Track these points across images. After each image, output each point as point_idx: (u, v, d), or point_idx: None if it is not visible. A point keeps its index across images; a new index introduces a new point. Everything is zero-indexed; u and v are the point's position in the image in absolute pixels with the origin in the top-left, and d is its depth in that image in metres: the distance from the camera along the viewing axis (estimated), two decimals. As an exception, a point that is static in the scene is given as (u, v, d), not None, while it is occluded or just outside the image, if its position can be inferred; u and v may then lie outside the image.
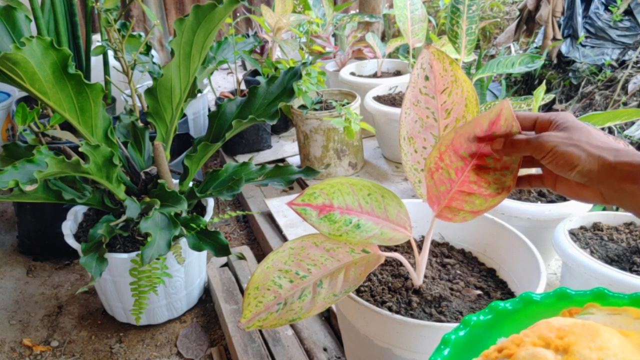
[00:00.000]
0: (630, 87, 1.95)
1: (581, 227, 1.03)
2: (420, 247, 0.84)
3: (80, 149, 0.95)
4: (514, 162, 0.60)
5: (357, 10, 2.71)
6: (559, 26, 2.25)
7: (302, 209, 0.65)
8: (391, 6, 2.67)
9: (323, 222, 0.66)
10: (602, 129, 1.18)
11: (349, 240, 0.68)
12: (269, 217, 1.55)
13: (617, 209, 1.35)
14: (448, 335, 0.39)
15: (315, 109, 1.67)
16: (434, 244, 0.94)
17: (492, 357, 0.35)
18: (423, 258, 0.77)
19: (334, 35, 2.45)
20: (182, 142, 1.57)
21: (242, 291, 1.27)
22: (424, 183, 0.72)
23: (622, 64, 2.07)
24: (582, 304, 0.40)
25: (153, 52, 1.96)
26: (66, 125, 1.30)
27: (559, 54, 2.28)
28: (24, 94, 1.79)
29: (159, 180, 1.09)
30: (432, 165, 0.64)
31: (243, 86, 2.01)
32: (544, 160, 0.52)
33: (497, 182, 0.62)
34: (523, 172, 0.62)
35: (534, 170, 0.63)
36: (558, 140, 0.51)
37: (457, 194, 0.65)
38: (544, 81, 2.09)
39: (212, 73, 1.78)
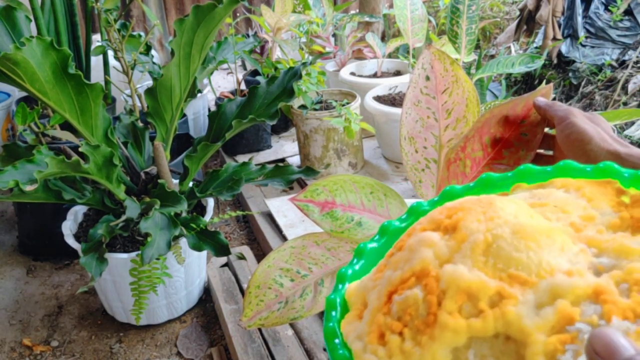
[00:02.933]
0: (630, 87, 1.95)
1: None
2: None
3: (80, 149, 0.95)
4: (527, 158, 0.61)
5: (357, 10, 2.71)
6: (559, 26, 2.25)
7: (305, 205, 0.65)
8: (391, 6, 2.67)
9: (325, 218, 0.66)
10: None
11: (351, 238, 0.68)
12: (269, 217, 1.55)
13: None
14: (363, 244, 0.34)
15: (315, 109, 1.67)
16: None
17: (389, 255, 0.31)
18: (423, 258, 0.77)
19: (334, 35, 2.45)
20: (182, 142, 1.57)
21: (242, 291, 1.26)
22: (424, 183, 0.72)
23: (622, 64, 2.08)
24: (509, 187, 0.34)
25: (153, 52, 1.96)
26: (66, 125, 1.30)
27: (559, 54, 2.28)
28: (24, 94, 1.78)
29: (159, 180, 1.09)
30: (452, 156, 0.64)
31: (243, 86, 2.01)
32: (560, 128, 0.52)
33: None
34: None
35: None
36: (580, 115, 0.52)
37: None
38: (544, 81, 2.10)
39: (212, 73, 1.78)
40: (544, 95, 0.58)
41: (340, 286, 0.32)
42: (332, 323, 0.30)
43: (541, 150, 0.62)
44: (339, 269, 0.33)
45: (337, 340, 0.29)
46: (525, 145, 0.60)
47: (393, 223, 0.35)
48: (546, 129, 0.60)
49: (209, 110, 2.25)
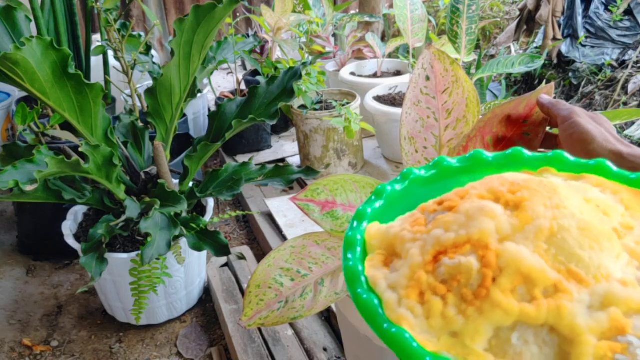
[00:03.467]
0: (630, 87, 1.95)
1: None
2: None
3: (80, 149, 0.95)
4: None
5: (357, 10, 2.71)
6: (559, 26, 2.25)
7: (305, 204, 0.65)
8: (391, 6, 2.67)
9: (326, 218, 0.66)
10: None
11: (351, 238, 0.68)
12: (269, 217, 1.55)
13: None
14: (383, 186, 0.34)
15: (315, 109, 1.67)
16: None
17: (430, 210, 0.30)
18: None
19: (334, 35, 2.45)
20: (182, 142, 1.57)
21: (242, 291, 1.26)
22: (424, 183, 0.72)
23: (622, 64, 2.08)
24: (537, 167, 0.34)
25: (153, 52, 1.96)
26: (66, 125, 1.30)
27: (559, 54, 2.28)
28: (24, 94, 1.78)
29: (159, 180, 1.09)
30: (454, 155, 0.64)
31: (243, 86, 2.01)
32: (563, 128, 0.52)
33: None
34: None
35: None
36: (584, 115, 0.52)
37: None
38: (544, 81, 2.10)
39: (212, 73, 1.78)
40: (547, 94, 0.58)
41: (356, 223, 0.32)
42: (353, 262, 0.29)
43: (543, 150, 0.62)
44: (358, 207, 0.32)
45: (362, 279, 0.28)
46: (527, 144, 0.61)
47: (414, 170, 0.35)
48: (548, 128, 0.61)
49: (209, 110, 2.25)
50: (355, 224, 0.32)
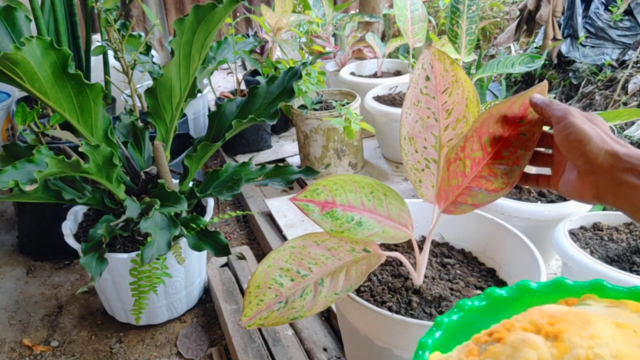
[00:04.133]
0: (630, 87, 1.95)
1: (581, 227, 1.03)
2: (420, 247, 0.84)
3: (80, 149, 0.95)
4: (525, 158, 0.61)
5: (357, 10, 2.71)
6: (559, 26, 2.25)
7: (305, 204, 0.65)
8: (391, 6, 2.67)
9: (325, 218, 0.66)
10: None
11: (351, 238, 0.68)
12: (269, 217, 1.55)
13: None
14: (441, 318, 0.39)
15: (315, 109, 1.67)
16: (434, 244, 0.94)
17: (482, 341, 0.35)
18: (424, 258, 0.77)
19: (334, 35, 2.45)
20: (182, 142, 1.57)
21: (242, 291, 1.26)
22: (424, 183, 0.72)
23: (622, 64, 2.08)
24: (580, 294, 0.39)
25: (153, 52, 1.96)
26: (66, 125, 1.30)
27: (559, 54, 2.28)
28: (24, 94, 1.79)
29: (159, 180, 1.09)
30: (452, 156, 0.64)
31: (243, 86, 2.01)
32: (558, 128, 0.51)
33: (505, 176, 0.62)
34: (533, 172, 0.63)
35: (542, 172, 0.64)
36: (579, 115, 0.51)
37: (465, 190, 0.65)
38: (544, 81, 2.09)
39: (212, 73, 1.78)
40: (540, 92, 0.58)
41: (420, 352, 0.36)
42: None
43: (541, 149, 0.62)
44: (420, 338, 0.37)
45: None
46: (523, 144, 0.61)
47: (467, 302, 0.40)
48: (545, 128, 0.60)
49: (209, 110, 2.25)
50: (419, 353, 0.36)
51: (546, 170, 0.61)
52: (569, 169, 0.55)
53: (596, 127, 0.50)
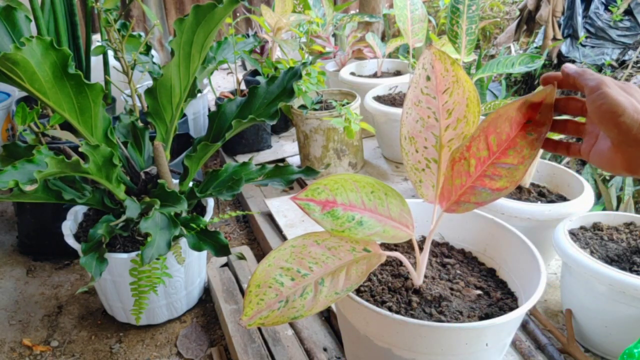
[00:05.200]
0: (630, 87, 1.95)
1: (581, 227, 1.03)
2: (420, 247, 0.84)
3: (80, 149, 0.95)
4: (531, 157, 0.61)
5: (357, 10, 2.71)
6: (559, 26, 2.25)
7: (306, 204, 0.65)
8: (391, 6, 2.67)
9: (326, 217, 0.66)
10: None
11: (352, 237, 0.68)
12: (269, 217, 1.55)
13: (617, 208, 1.34)
14: (629, 349, 0.41)
15: (315, 109, 1.67)
16: (434, 244, 0.94)
17: None
18: (424, 258, 0.77)
19: (334, 35, 2.45)
20: (182, 142, 1.57)
21: (242, 291, 1.26)
22: (425, 182, 0.72)
23: (622, 64, 2.08)
24: None
25: (153, 52, 1.96)
26: (66, 125, 1.30)
27: (559, 54, 2.28)
28: (24, 94, 1.79)
29: (159, 180, 1.09)
30: (457, 155, 0.64)
31: (243, 86, 2.01)
32: (591, 99, 0.50)
33: (509, 175, 0.63)
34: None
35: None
36: (613, 85, 0.49)
37: (469, 189, 0.65)
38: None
39: (212, 73, 1.78)
40: (548, 95, 0.58)
41: None
42: None
43: (574, 118, 0.60)
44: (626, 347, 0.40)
45: None
46: (530, 144, 0.61)
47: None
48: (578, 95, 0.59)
49: (209, 110, 2.25)
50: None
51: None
52: (601, 138, 0.52)
53: (631, 98, 0.48)
